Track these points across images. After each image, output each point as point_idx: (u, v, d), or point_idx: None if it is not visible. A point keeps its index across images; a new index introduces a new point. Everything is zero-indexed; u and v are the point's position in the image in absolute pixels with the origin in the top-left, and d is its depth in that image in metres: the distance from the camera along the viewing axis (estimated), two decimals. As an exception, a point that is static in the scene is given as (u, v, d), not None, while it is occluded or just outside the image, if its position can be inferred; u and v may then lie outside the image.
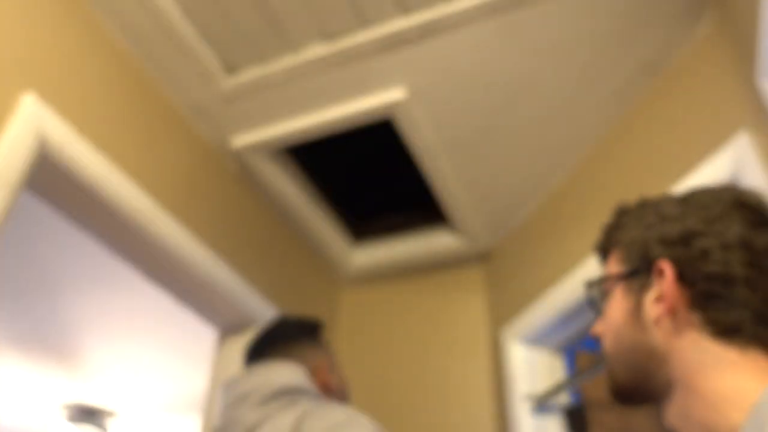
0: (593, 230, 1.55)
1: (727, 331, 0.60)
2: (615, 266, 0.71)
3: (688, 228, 0.64)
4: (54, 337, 2.78)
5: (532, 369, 1.67)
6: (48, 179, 1.25)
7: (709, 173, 1.19)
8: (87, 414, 3.43)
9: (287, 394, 1.07)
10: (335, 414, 1.02)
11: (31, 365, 3.03)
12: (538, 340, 1.68)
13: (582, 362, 1.64)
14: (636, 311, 0.66)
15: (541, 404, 1.60)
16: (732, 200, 0.65)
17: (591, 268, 1.47)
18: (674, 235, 0.65)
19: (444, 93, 1.54)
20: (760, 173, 1.07)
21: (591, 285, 0.74)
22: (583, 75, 1.47)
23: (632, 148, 1.49)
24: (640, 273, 0.67)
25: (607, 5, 1.32)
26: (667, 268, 0.63)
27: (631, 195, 1.42)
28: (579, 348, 1.69)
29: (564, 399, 1.63)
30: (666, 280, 0.63)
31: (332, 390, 1.23)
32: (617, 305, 0.69)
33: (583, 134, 1.61)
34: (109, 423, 3.50)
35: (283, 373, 1.11)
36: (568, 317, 1.57)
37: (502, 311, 1.83)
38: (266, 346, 1.24)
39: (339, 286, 2.21)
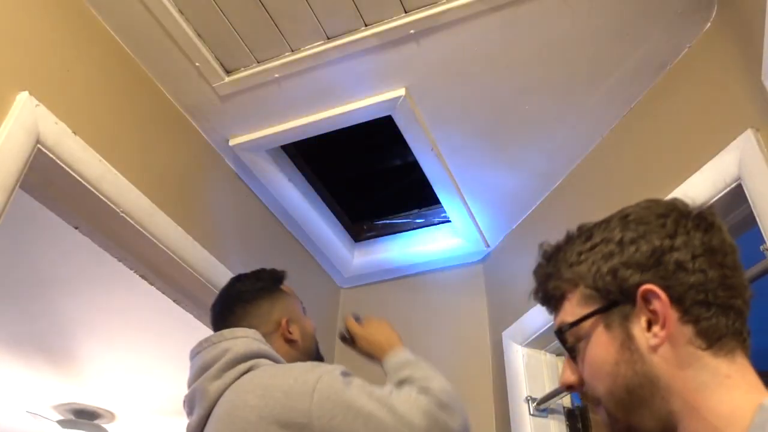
0: (596, 231, 1.54)
1: (717, 339, 0.61)
2: (579, 308, 0.67)
3: (656, 247, 0.64)
4: (50, 339, 2.76)
5: (534, 371, 1.66)
6: (43, 179, 1.23)
7: (714, 173, 1.18)
8: (83, 416, 3.41)
9: (243, 362, 1.09)
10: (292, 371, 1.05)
11: (26, 367, 3.00)
12: (539, 342, 1.66)
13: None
14: (627, 345, 0.63)
15: (543, 406, 1.59)
16: (675, 212, 0.66)
17: (593, 268, 1.46)
18: (645, 257, 0.64)
19: (444, 91, 1.52)
20: (766, 173, 1.06)
21: (564, 331, 0.68)
22: (587, 72, 1.46)
23: (636, 147, 1.47)
24: (619, 304, 0.64)
25: (613, 1, 1.31)
26: (656, 290, 0.62)
27: (633, 195, 1.41)
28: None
29: (565, 401, 1.62)
30: (661, 303, 0.62)
31: (296, 341, 1.24)
32: (602, 345, 0.65)
33: (586, 133, 1.60)
34: (106, 425, 3.48)
35: (237, 342, 1.11)
36: (569, 318, 1.56)
37: (503, 312, 1.82)
38: (223, 312, 1.27)
39: (339, 286, 2.20)
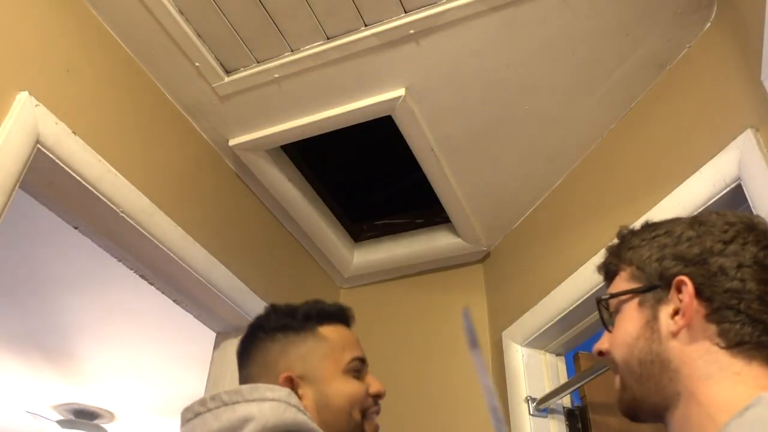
0: (596, 231, 1.55)
1: (738, 343, 0.65)
2: (626, 284, 0.75)
3: (707, 247, 0.69)
4: (50, 339, 2.76)
5: (533, 371, 1.66)
6: (43, 179, 1.23)
7: (714, 173, 1.18)
8: (83, 416, 3.41)
9: None
10: None
11: (26, 367, 3.00)
12: (539, 341, 1.66)
13: (583, 364, 1.63)
14: (651, 324, 0.71)
15: (542, 406, 1.59)
16: (744, 224, 0.71)
17: (592, 269, 1.46)
18: (693, 254, 0.70)
19: (444, 91, 1.52)
20: (766, 173, 1.06)
21: (602, 301, 0.78)
22: (587, 72, 1.46)
23: (636, 147, 1.47)
24: (656, 288, 0.71)
25: (613, 1, 1.31)
26: (687, 283, 0.68)
27: (633, 195, 1.42)
28: (580, 350, 1.68)
29: (565, 401, 1.62)
30: (686, 295, 0.68)
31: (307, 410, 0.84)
32: (630, 319, 0.73)
33: (586, 132, 1.60)
34: (106, 425, 3.48)
35: (264, 408, 0.75)
36: (569, 319, 1.56)
37: (503, 313, 1.82)
38: (239, 353, 0.98)
39: (338, 286, 2.20)
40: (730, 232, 0.70)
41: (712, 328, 0.66)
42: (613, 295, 0.76)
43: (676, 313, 0.69)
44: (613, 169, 1.54)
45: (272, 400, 0.77)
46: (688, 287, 0.68)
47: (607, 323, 0.77)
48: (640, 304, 0.72)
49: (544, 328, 1.61)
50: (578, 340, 1.65)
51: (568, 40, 1.39)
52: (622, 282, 0.76)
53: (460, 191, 1.78)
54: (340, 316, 1.00)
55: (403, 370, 1.93)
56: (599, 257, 1.43)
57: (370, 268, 2.11)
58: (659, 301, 0.71)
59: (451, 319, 1.96)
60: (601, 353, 0.77)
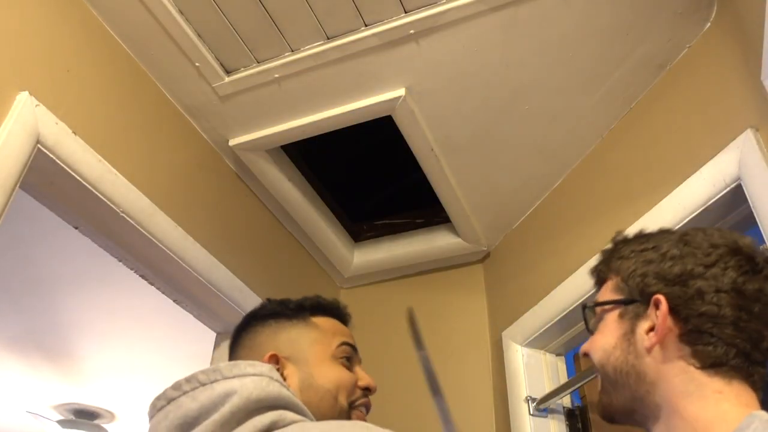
0: (596, 231, 1.55)
1: (713, 365, 0.67)
2: (610, 293, 0.77)
3: (687, 270, 0.70)
4: (50, 339, 2.76)
5: (533, 371, 1.66)
6: (43, 179, 1.23)
7: (714, 173, 1.18)
8: (83, 416, 3.41)
9: (259, 412, 0.69)
10: None
11: (26, 367, 3.00)
12: (539, 341, 1.66)
13: (583, 364, 1.63)
14: (628, 336, 0.73)
15: (542, 406, 1.59)
16: (728, 247, 0.72)
17: (593, 268, 1.46)
18: (673, 275, 0.71)
19: (444, 91, 1.52)
20: (766, 173, 1.06)
21: (587, 308, 0.81)
22: (587, 72, 1.46)
23: (636, 148, 1.47)
24: (636, 303, 0.73)
25: (613, 1, 1.31)
26: (662, 303, 0.70)
27: (633, 195, 1.41)
28: (580, 350, 1.68)
29: (565, 401, 1.62)
30: (660, 314, 0.69)
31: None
32: (610, 329, 0.75)
33: (586, 133, 1.60)
34: (106, 425, 3.48)
35: (246, 382, 0.70)
36: (569, 319, 1.56)
37: (503, 312, 1.82)
38: (231, 342, 0.97)
39: (338, 286, 2.20)
40: (712, 255, 0.71)
41: (686, 349, 0.68)
42: (596, 304, 0.79)
43: (651, 329, 0.70)
44: (613, 169, 1.54)
45: (253, 375, 0.72)
46: (662, 306, 0.69)
47: (591, 329, 0.80)
48: (621, 315, 0.75)
49: (544, 328, 1.61)
50: (578, 340, 1.65)
51: (568, 40, 1.39)
52: (608, 291, 0.78)
53: (460, 191, 1.78)
54: (335, 310, 1.00)
55: (402, 370, 1.92)
56: (597, 258, 1.43)
57: (370, 268, 2.11)
58: (638, 316, 0.72)
59: (452, 319, 1.96)
60: (585, 354, 0.80)
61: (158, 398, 0.74)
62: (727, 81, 1.22)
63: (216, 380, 0.71)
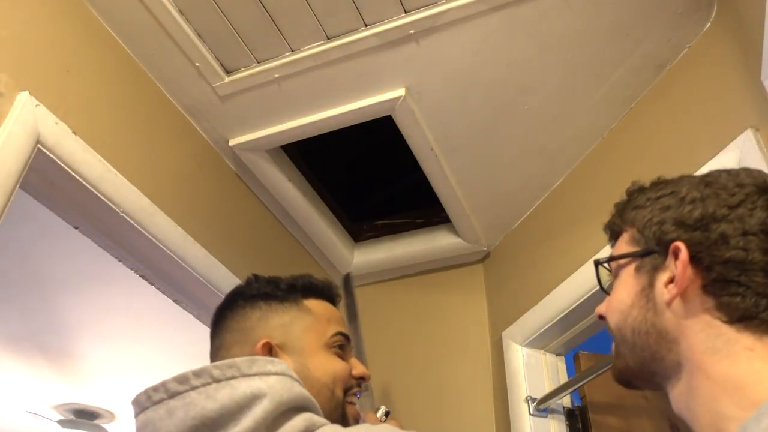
0: (596, 231, 1.54)
1: (742, 318, 0.59)
2: (626, 246, 0.70)
3: (709, 212, 0.63)
4: (50, 338, 2.76)
5: (534, 371, 1.66)
6: (43, 179, 1.23)
7: (714, 173, 1.18)
8: (83, 416, 3.41)
9: (290, 416, 0.65)
10: None
11: (26, 367, 3.00)
12: (539, 341, 1.66)
13: (583, 364, 1.63)
14: (646, 292, 0.66)
15: (542, 406, 1.59)
16: (756, 185, 0.63)
17: (592, 269, 1.46)
18: (693, 219, 0.63)
19: (444, 91, 1.52)
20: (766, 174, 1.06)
21: (600, 264, 0.74)
22: (587, 72, 1.46)
23: (635, 147, 1.47)
24: (653, 254, 0.66)
25: (613, 1, 1.31)
26: (682, 250, 0.62)
27: (633, 195, 1.41)
28: (580, 350, 1.68)
29: (565, 401, 1.62)
30: (680, 263, 0.62)
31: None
32: (626, 285, 0.68)
33: (586, 133, 1.60)
34: (106, 425, 3.48)
35: (271, 383, 0.65)
36: (569, 319, 1.56)
37: (503, 312, 1.82)
38: (214, 321, 0.90)
39: (338, 286, 2.20)
40: (738, 195, 0.63)
41: (711, 301, 0.61)
42: (610, 258, 0.72)
43: (670, 281, 0.63)
44: (613, 169, 1.54)
45: (275, 374, 0.66)
46: (682, 254, 0.62)
47: (604, 287, 0.74)
48: (637, 269, 0.68)
49: (544, 328, 1.61)
50: (578, 340, 1.65)
51: (568, 40, 1.39)
52: (623, 244, 0.71)
53: (460, 191, 1.78)
54: (326, 291, 0.95)
55: (402, 370, 1.93)
56: (599, 257, 1.42)
57: (370, 268, 2.11)
58: (656, 268, 0.65)
59: (452, 319, 1.96)
60: (601, 317, 0.73)
61: (154, 389, 0.67)
62: (727, 81, 1.22)
63: (234, 377, 0.65)
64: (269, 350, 0.83)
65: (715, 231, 0.62)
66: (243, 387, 0.63)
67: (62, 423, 3.39)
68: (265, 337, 0.84)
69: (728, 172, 0.67)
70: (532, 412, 1.58)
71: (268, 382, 0.64)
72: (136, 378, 3.05)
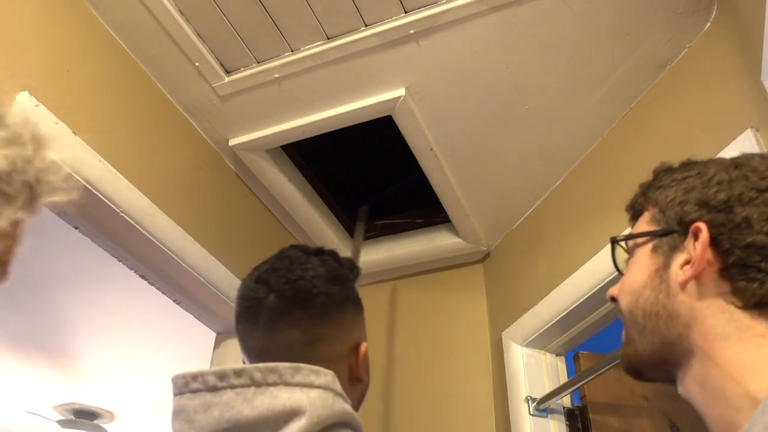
0: (596, 231, 1.55)
1: (758, 304, 0.57)
2: (646, 226, 0.68)
3: (735, 194, 0.61)
4: (50, 339, 2.76)
5: (534, 371, 1.66)
6: (43, 179, 1.23)
7: (714, 173, 1.18)
8: (83, 416, 3.41)
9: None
10: None
11: (26, 367, 3.00)
12: (539, 341, 1.66)
13: (583, 364, 1.63)
14: (661, 272, 0.64)
15: (543, 406, 1.59)
16: None
17: (593, 268, 1.46)
18: (718, 200, 0.61)
19: (444, 91, 1.52)
20: (766, 173, 1.06)
21: (617, 242, 0.71)
22: (587, 72, 1.46)
23: (636, 147, 1.47)
24: (673, 233, 0.64)
25: (612, 1, 1.31)
26: (703, 230, 0.60)
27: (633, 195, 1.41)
28: (580, 350, 1.68)
29: (565, 401, 1.62)
30: (699, 243, 0.60)
31: (363, 382, 0.81)
32: (641, 265, 0.66)
33: (586, 133, 1.60)
34: (106, 425, 3.48)
35: (312, 397, 0.63)
36: (569, 319, 1.56)
37: (503, 313, 1.82)
38: (288, 313, 0.76)
39: (338, 287, 2.20)
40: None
41: (727, 286, 0.59)
42: (628, 237, 0.70)
43: (687, 262, 0.61)
44: (613, 169, 1.54)
45: (319, 387, 0.63)
46: (703, 234, 0.60)
47: (618, 266, 0.71)
48: (654, 249, 0.66)
49: (544, 328, 1.61)
50: (578, 340, 1.65)
51: (568, 40, 1.39)
52: (643, 223, 0.69)
53: (460, 191, 1.78)
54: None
55: (402, 370, 1.93)
56: (599, 257, 1.42)
57: (370, 268, 2.11)
58: (674, 249, 0.63)
59: (452, 319, 1.96)
60: (613, 299, 0.71)
61: (193, 377, 0.66)
62: (727, 81, 1.22)
63: (275, 384, 0.62)
64: (356, 351, 0.80)
65: (740, 214, 0.60)
66: (283, 398, 0.61)
67: (62, 423, 3.39)
68: (361, 338, 0.81)
69: (762, 156, 0.64)
70: (532, 412, 1.58)
71: (310, 397, 0.62)
72: (136, 378, 3.05)
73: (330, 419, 0.62)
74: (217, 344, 1.81)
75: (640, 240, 0.68)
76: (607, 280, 1.38)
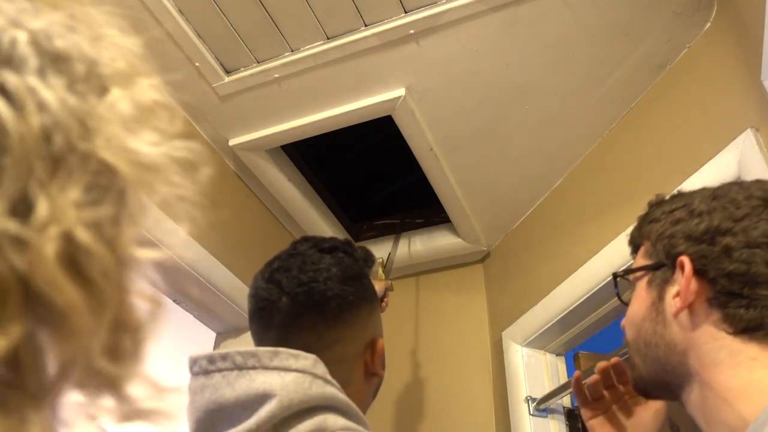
0: (596, 231, 1.55)
1: (747, 329, 0.60)
2: (642, 260, 0.72)
3: (714, 225, 0.64)
4: (50, 339, 2.76)
5: (534, 371, 1.66)
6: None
7: (714, 173, 1.18)
8: (83, 416, 3.41)
9: (298, 421, 0.63)
10: None
11: (26, 367, 3.00)
12: (539, 341, 1.66)
13: (583, 364, 1.63)
14: (657, 305, 0.67)
15: (543, 406, 1.59)
16: (764, 198, 0.64)
17: (593, 268, 1.46)
18: (699, 232, 0.64)
19: (444, 91, 1.52)
20: (766, 173, 1.06)
21: (618, 276, 0.76)
22: (587, 72, 1.46)
23: (636, 147, 1.47)
24: (663, 267, 0.67)
25: (612, 1, 1.31)
26: (686, 264, 0.63)
27: (633, 195, 1.41)
28: (580, 350, 1.68)
29: (565, 401, 1.62)
30: (684, 276, 0.63)
31: (377, 375, 0.84)
32: (639, 299, 0.70)
33: (586, 133, 1.60)
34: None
35: (286, 381, 0.65)
36: (569, 319, 1.56)
37: (503, 313, 1.82)
38: (301, 313, 0.77)
39: (338, 287, 2.20)
40: (744, 208, 0.63)
41: (716, 313, 0.61)
42: (625, 272, 0.74)
43: (678, 294, 0.64)
44: (613, 169, 1.54)
45: (296, 370, 0.64)
46: (686, 267, 0.63)
47: (622, 299, 0.75)
48: (649, 283, 0.69)
49: (544, 328, 1.61)
50: (578, 340, 1.65)
51: (567, 40, 1.39)
52: (640, 258, 0.73)
53: (460, 191, 1.78)
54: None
55: (402, 370, 1.93)
56: (599, 258, 1.42)
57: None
58: (665, 281, 0.67)
59: (451, 319, 1.96)
60: (623, 329, 0.74)
61: (194, 360, 0.71)
62: (727, 81, 1.22)
63: (254, 367, 0.65)
64: (372, 347, 0.82)
65: (720, 244, 0.62)
66: (259, 381, 0.64)
67: (62, 423, 3.39)
68: (376, 333, 0.84)
69: (740, 185, 0.67)
70: (532, 412, 1.58)
71: (284, 381, 0.64)
72: (136, 378, 3.06)
73: (305, 403, 0.63)
74: (216, 344, 1.80)
75: (638, 274, 0.72)
76: (607, 280, 1.38)
